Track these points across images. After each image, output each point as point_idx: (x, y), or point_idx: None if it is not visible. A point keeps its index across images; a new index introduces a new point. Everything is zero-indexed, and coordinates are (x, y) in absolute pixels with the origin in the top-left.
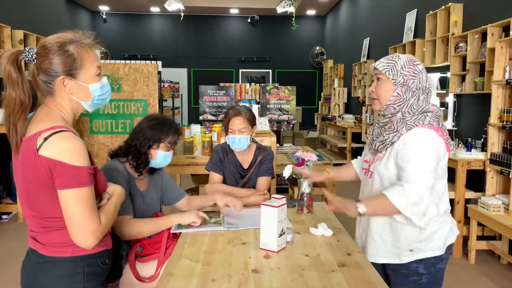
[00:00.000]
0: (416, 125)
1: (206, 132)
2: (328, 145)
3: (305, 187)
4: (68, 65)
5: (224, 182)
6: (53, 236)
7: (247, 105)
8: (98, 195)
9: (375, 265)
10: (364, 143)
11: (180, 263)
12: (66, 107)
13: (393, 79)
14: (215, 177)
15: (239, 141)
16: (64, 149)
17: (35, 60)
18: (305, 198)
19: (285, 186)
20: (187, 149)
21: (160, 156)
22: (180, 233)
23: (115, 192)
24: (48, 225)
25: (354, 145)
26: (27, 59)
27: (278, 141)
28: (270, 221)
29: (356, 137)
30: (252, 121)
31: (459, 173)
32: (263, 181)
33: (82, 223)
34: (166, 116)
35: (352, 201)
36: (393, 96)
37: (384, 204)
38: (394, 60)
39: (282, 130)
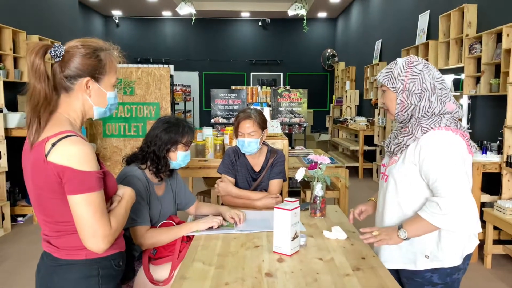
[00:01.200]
0: (432, 128)
1: (218, 135)
2: (340, 148)
3: (318, 190)
4: (96, 69)
5: (236, 185)
6: (67, 239)
7: (259, 108)
8: (108, 198)
9: (389, 271)
10: (377, 145)
11: (193, 267)
12: (77, 109)
13: (393, 88)
14: (227, 179)
15: (249, 144)
16: (72, 155)
17: (62, 57)
18: (318, 201)
19: (297, 189)
20: (199, 152)
21: (180, 157)
22: (193, 235)
23: (125, 194)
24: (61, 229)
25: (367, 147)
26: (55, 54)
27: (290, 144)
28: (283, 224)
29: (369, 140)
30: (262, 124)
31: (475, 176)
32: (275, 184)
33: (92, 228)
34: (177, 116)
35: (387, 229)
36: (398, 104)
37: (426, 226)
38: (391, 68)
39: (293, 133)
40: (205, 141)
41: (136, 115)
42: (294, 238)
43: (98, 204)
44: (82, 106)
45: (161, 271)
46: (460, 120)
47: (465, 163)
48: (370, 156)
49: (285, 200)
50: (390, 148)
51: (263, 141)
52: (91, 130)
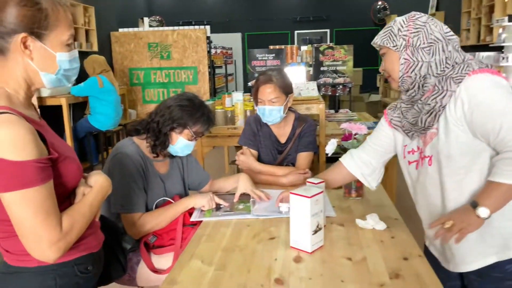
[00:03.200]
0: (467, 73)
1: (251, 100)
2: None
3: None
4: (35, 22)
5: (259, 158)
6: (16, 242)
7: (296, 67)
8: (68, 191)
9: (448, 273)
10: None
11: (189, 266)
12: (18, 77)
13: (394, 46)
14: (249, 152)
15: (270, 113)
16: (1, 140)
17: None
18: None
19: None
20: (228, 119)
21: (179, 144)
22: (201, 222)
23: (96, 185)
24: (7, 229)
25: None
26: None
27: (334, 107)
28: (301, 214)
29: None
30: (286, 89)
31: None
32: (303, 158)
33: (34, 233)
34: (202, 101)
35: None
36: (401, 64)
37: (507, 191)
38: (390, 26)
39: (337, 94)
40: (235, 107)
41: (174, 80)
42: (316, 232)
43: (40, 203)
44: (24, 72)
45: (164, 261)
46: None
47: None
48: None
49: (308, 182)
50: (421, 121)
51: (289, 107)
52: (130, 96)
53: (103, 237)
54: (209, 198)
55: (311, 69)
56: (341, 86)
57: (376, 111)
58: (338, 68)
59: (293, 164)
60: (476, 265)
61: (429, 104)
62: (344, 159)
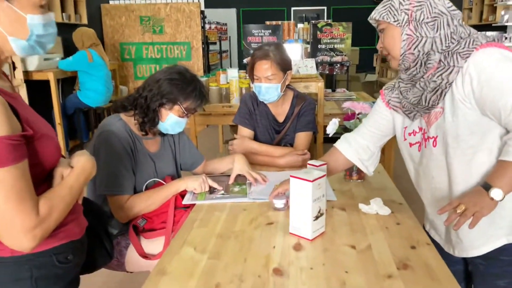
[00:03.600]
0: (475, 47)
1: (246, 77)
2: None
3: None
4: None
5: (256, 138)
6: None
7: (293, 44)
8: (46, 173)
9: (450, 258)
10: None
11: (180, 255)
12: None
13: (395, 21)
14: (245, 132)
15: (267, 91)
16: None
17: None
18: None
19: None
20: (223, 97)
21: (170, 121)
22: (194, 204)
23: (77, 166)
24: None
25: None
26: None
27: (331, 86)
28: (302, 199)
29: None
30: (283, 65)
31: None
32: (302, 138)
33: (6, 219)
34: (194, 74)
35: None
36: (403, 40)
37: None
38: (389, 1)
39: (335, 73)
40: (230, 84)
41: (166, 55)
42: (317, 218)
43: (12, 185)
44: None
45: (154, 245)
46: None
47: None
48: None
49: (309, 164)
50: (425, 100)
51: (288, 85)
52: (122, 72)
53: (87, 223)
54: (201, 180)
55: (308, 46)
56: (338, 65)
57: (372, 91)
58: (336, 46)
59: (291, 145)
60: (485, 249)
61: (434, 81)
62: (341, 145)
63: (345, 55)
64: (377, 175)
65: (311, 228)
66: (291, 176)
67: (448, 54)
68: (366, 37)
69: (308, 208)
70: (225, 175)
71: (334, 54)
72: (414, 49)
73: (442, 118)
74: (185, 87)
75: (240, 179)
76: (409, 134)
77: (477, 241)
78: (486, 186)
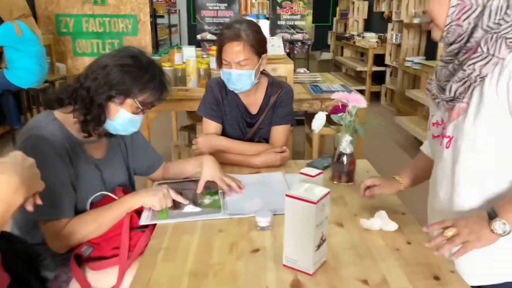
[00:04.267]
0: None
1: (203, 56)
2: (344, 69)
3: (346, 145)
4: None
5: (224, 133)
6: None
7: (255, 20)
8: None
9: None
10: (387, 66)
11: None
12: None
13: None
14: (211, 126)
15: (238, 79)
16: None
17: None
18: (345, 162)
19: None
20: (178, 79)
21: (120, 118)
22: (154, 225)
23: None
24: None
25: (376, 68)
26: None
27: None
28: (301, 225)
29: (379, 60)
30: (258, 48)
31: None
32: (279, 132)
33: None
34: (152, 59)
35: (478, 215)
36: (452, 6)
37: None
38: None
39: (295, 52)
40: (186, 65)
41: (110, 29)
42: (319, 246)
43: None
44: None
45: (105, 278)
46: None
47: None
48: (379, 79)
49: (303, 174)
50: (449, 90)
51: (263, 70)
52: (58, 48)
53: (7, 280)
54: (161, 195)
55: (268, 22)
56: (299, 43)
57: (328, 70)
58: (296, 23)
59: (266, 140)
60: (478, 281)
61: (463, 71)
62: (424, 145)
63: (306, 33)
64: (366, 175)
65: (312, 260)
66: (286, 195)
67: (492, 37)
68: (320, 13)
69: (309, 236)
70: (191, 181)
71: (295, 32)
72: (464, 20)
73: (463, 118)
74: (140, 75)
75: (211, 186)
76: (433, 124)
77: (469, 269)
78: (491, 214)
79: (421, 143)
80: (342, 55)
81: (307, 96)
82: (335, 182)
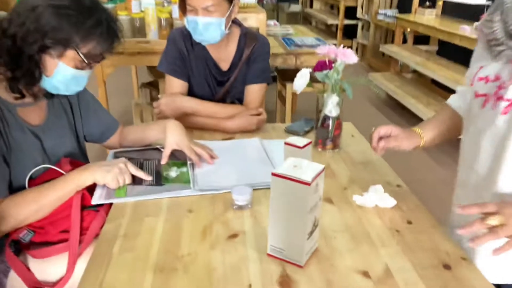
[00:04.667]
0: None
1: (165, 4)
2: (314, 22)
3: (331, 107)
4: None
5: (191, 93)
6: None
7: None
8: None
9: None
10: (359, 19)
11: None
12: None
13: None
14: (175, 84)
15: (205, 28)
16: None
17: None
18: (330, 126)
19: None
20: (137, 30)
21: (61, 75)
22: (111, 204)
23: None
24: None
25: (347, 21)
26: None
27: None
28: (290, 209)
29: (350, 12)
30: None
31: None
32: (254, 92)
33: None
34: (96, 0)
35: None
36: None
37: None
38: None
39: (265, 2)
40: (145, 14)
41: None
42: (311, 233)
43: None
44: None
45: (52, 268)
46: None
47: None
48: (350, 33)
49: (288, 145)
50: None
51: (234, 19)
52: None
53: None
54: (117, 171)
55: None
56: None
57: (296, 23)
58: None
59: (240, 101)
60: (498, 278)
61: None
62: (451, 98)
63: None
64: (351, 140)
65: (303, 250)
66: (273, 173)
67: None
68: None
69: (300, 223)
70: (153, 149)
71: None
72: None
73: None
74: (82, 20)
75: (177, 155)
76: (480, 79)
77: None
78: None
79: (394, 100)
80: (311, 7)
81: (281, 50)
82: (319, 149)
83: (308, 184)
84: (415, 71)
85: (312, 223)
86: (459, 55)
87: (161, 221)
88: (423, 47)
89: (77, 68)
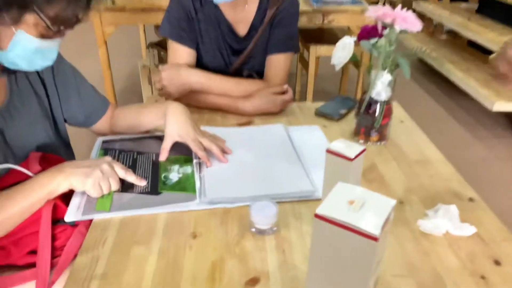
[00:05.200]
0: None
1: None
2: None
3: (381, 88)
4: None
5: (199, 64)
6: None
7: None
8: None
9: None
10: None
11: None
12: None
13: None
14: (180, 53)
15: None
16: None
17: None
18: (377, 112)
19: None
20: None
21: (20, 46)
22: (90, 221)
23: None
24: None
25: None
26: None
27: None
28: (345, 266)
29: None
30: None
31: None
32: (279, 63)
33: None
34: None
35: None
36: None
37: None
38: None
39: None
40: None
41: None
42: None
43: None
44: None
45: None
46: None
47: None
48: None
49: (331, 153)
50: None
51: None
52: None
53: None
54: (98, 174)
55: None
56: None
57: None
58: None
59: (260, 75)
60: None
61: None
62: None
63: None
64: (401, 128)
65: None
66: (316, 215)
67: None
68: None
69: (358, 285)
70: (152, 137)
71: None
72: None
73: None
74: None
75: (179, 150)
76: None
77: None
78: None
79: (426, 65)
80: None
81: (305, 8)
82: (360, 141)
83: (375, 239)
84: (449, 32)
85: (374, 283)
86: (501, 13)
87: (154, 252)
88: (462, 5)
89: (42, 36)
